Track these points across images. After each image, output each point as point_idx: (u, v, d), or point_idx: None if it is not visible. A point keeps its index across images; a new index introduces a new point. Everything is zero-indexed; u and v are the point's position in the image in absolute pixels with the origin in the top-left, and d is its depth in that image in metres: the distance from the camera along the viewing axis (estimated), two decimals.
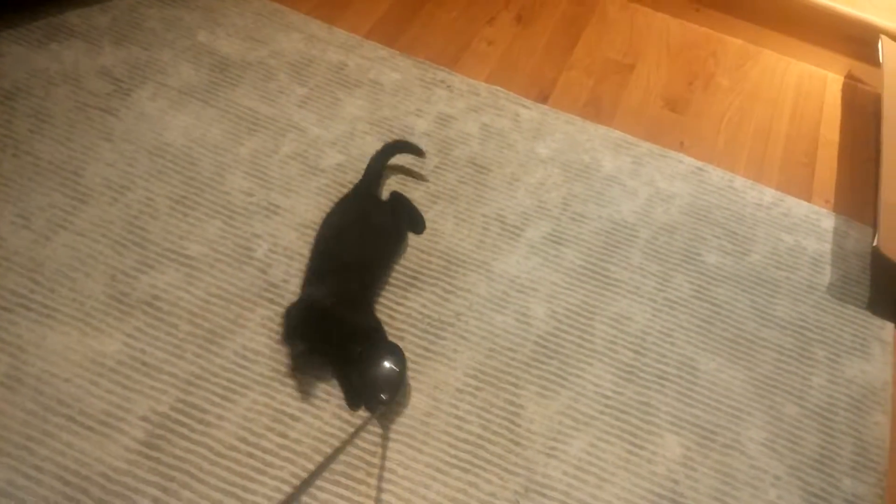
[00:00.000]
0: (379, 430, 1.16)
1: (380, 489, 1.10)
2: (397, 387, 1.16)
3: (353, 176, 1.47)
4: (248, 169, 1.46)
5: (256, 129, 1.52)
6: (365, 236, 1.31)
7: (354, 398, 1.17)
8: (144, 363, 1.19)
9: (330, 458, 1.08)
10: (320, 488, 1.10)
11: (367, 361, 1.17)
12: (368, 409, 1.16)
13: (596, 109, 1.68)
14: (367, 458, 1.14)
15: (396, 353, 1.19)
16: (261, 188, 1.43)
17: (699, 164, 1.58)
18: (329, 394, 1.18)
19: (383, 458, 1.13)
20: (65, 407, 1.14)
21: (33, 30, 1.64)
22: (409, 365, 1.23)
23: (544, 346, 1.27)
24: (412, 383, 1.21)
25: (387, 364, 1.18)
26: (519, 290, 1.34)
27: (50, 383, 1.16)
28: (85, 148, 1.45)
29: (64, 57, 1.60)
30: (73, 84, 1.56)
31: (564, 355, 1.27)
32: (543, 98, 1.68)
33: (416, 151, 1.48)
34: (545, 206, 1.46)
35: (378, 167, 1.44)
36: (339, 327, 1.16)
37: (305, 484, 1.06)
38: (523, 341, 1.27)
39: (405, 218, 1.39)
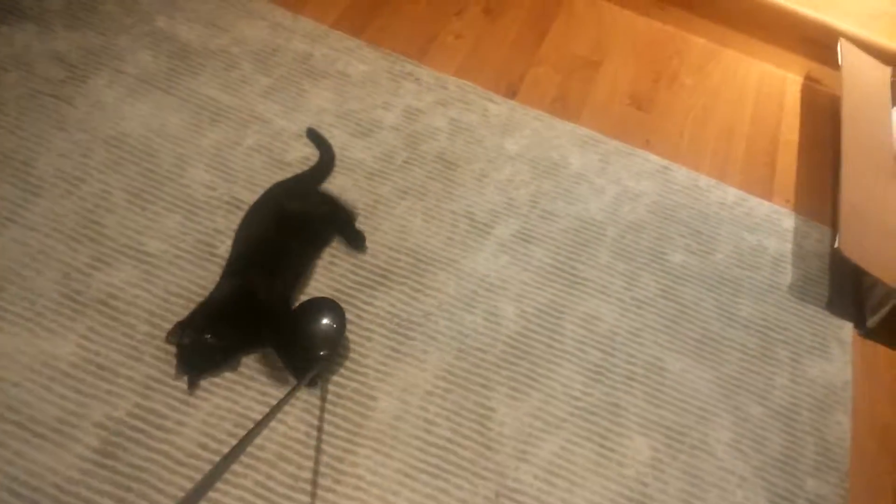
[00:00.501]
0: (344, 435, 1.10)
1: (318, 447, 1.04)
2: (336, 342, 1.11)
3: None
4: (209, 161, 1.37)
5: (218, 120, 1.43)
6: (277, 226, 1.24)
7: (297, 367, 1.09)
8: (100, 366, 1.11)
9: (260, 425, 0.95)
10: (286, 497, 1.04)
11: (303, 318, 1.12)
12: (306, 367, 1.09)
13: (563, 106, 1.63)
14: (335, 464, 1.08)
15: (334, 309, 1.13)
16: (223, 182, 1.35)
17: (664, 162, 1.55)
18: (295, 398, 1.11)
19: (321, 420, 1.08)
20: (14, 413, 1.05)
21: None
22: (377, 367, 1.17)
23: (514, 347, 1.22)
24: (382, 385, 1.15)
25: (325, 320, 1.12)
26: (488, 289, 1.29)
27: None
28: (37, 137, 1.35)
29: (15, 40, 1.49)
30: (25, 69, 1.45)
31: (534, 356, 1.22)
32: (512, 93, 1.63)
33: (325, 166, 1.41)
34: (514, 203, 1.41)
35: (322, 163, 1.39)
36: (249, 310, 1.10)
37: (223, 464, 0.90)
38: (493, 342, 1.22)
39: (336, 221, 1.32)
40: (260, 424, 0.93)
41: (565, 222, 1.41)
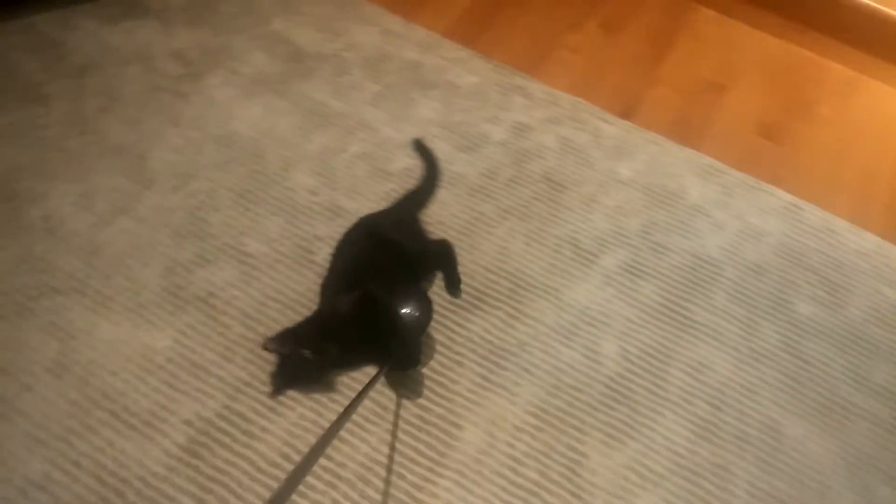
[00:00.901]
0: (426, 463, 1.09)
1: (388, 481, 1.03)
2: (416, 331, 1.11)
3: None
4: (314, 166, 1.40)
5: (326, 125, 1.47)
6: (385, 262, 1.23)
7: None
8: (194, 363, 1.15)
9: (338, 423, 0.95)
10: None
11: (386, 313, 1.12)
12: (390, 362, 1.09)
13: (684, 130, 1.57)
14: (414, 492, 1.07)
15: (419, 299, 1.14)
16: (326, 188, 1.37)
17: (795, 200, 1.47)
18: (380, 418, 1.11)
19: (396, 417, 1.07)
20: (110, 402, 1.11)
21: (108, 6, 1.61)
22: (466, 394, 1.16)
23: (614, 389, 1.19)
24: (469, 414, 1.14)
25: (406, 310, 1.12)
26: (590, 323, 1.25)
27: (97, 375, 1.13)
28: (152, 131, 1.42)
29: (137, 35, 1.58)
30: (145, 64, 1.53)
31: (635, 402, 1.18)
32: (627, 114, 1.59)
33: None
34: (623, 232, 1.37)
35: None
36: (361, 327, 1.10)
37: (306, 464, 0.91)
38: (591, 381, 1.19)
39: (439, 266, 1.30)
40: (340, 420, 0.94)
41: (679, 258, 1.35)
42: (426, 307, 1.14)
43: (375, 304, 1.07)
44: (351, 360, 1.13)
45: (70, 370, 1.12)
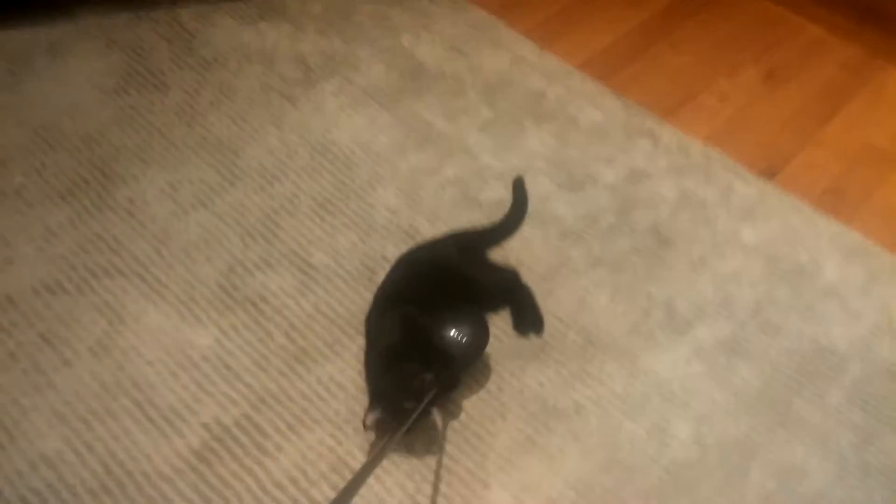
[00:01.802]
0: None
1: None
2: (461, 356, 1.07)
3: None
4: (402, 185, 1.41)
5: (426, 145, 1.48)
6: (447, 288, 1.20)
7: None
8: (227, 366, 1.18)
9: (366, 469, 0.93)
10: None
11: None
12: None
13: (836, 201, 1.43)
14: None
15: (472, 323, 1.11)
16: (407, 208, 1.38)
17: None
18: (400, 459, 1.07)
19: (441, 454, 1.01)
20: (138, 390, 1.15)
21: (248, 5, 1.73)
22: (502, 451, 1.10)
23: (676, 478, 1.08)
24: (500, 474, 1.08)
25: (452, 332, 1.10)
26: (665, 399, 1.15)
27: (134, 362, 1.18)
28: (253, 130, 1.49)
29: (267, 36, 1.67)
30: (267, 65, 1.61)
31: (700, 496, 1.06)
32: (770, 174, 1.47)
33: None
34: (731, 303, 1.26)
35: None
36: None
37: None
38: (651, 463, 1.09)
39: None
40: (366, 468, 0.93)
41: (793, 342, 1.22)
42: (478, 333, 1.10)
43: (415, 324, 1.04)
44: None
45: (110, 353, 1.18)
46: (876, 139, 1.55)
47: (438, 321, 1.13)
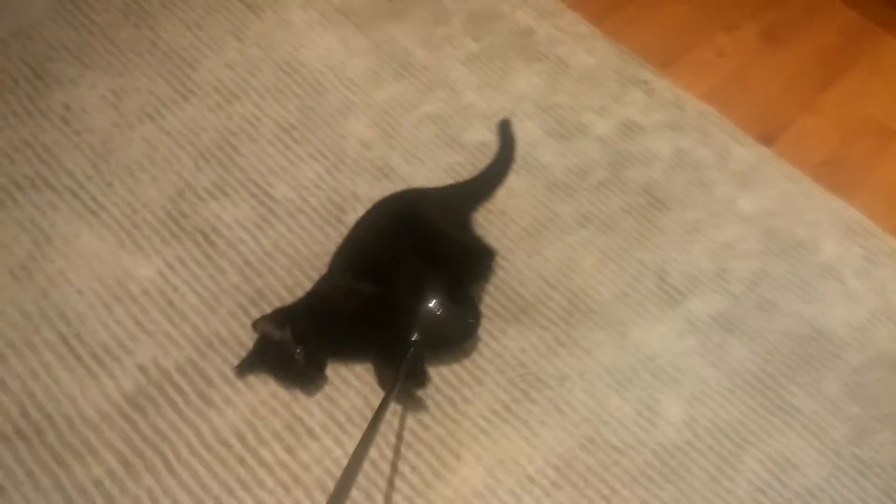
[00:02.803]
0: (407, 491, 0.94)
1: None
2: (436, 329, 0.98)
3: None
4: (376, 117, 1.28)
5: (403, 75, 1.34)
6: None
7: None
8: (170, 303, 1.04)
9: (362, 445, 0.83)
10: None
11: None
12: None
13: (835, 174, 1.36)
14: None
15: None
16: (382, 144, 1.25)
17: None
18: (364, 420, 0.96)
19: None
20: (64, 323, 1.01)
21: None
22: (478, 419, 1.00)
23: (664, 462, 1.00)
24: (474, 445, 0.99)
25: (431, 303, 1.00)
26: (654, 375, 1.06)
27: (60, 289, 1.04)
28: (210, 40, 1.34)
29: None
30: None
31: (688, 484, 0.98)
32: (768, 139, 1.38)
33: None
34: (726, 276, 1.17)
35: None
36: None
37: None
38: (638, 445, 1.00)
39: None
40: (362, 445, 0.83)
41: (790, 323, 1.14)
42: (461, 317, 1.01)
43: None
44: (346, 357, 0.99)
45: (34, 277, 1.04)
46: (876, 111, 1.49)
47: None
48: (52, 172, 1.15)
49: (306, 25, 1.39)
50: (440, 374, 1.03)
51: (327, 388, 1.00)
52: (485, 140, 1.28)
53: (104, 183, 1.15)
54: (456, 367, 1.04)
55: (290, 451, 0.95)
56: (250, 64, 1.32)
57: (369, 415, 0.96)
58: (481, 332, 1.07)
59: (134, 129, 1.22)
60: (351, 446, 0.95)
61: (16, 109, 1.20)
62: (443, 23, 1.44)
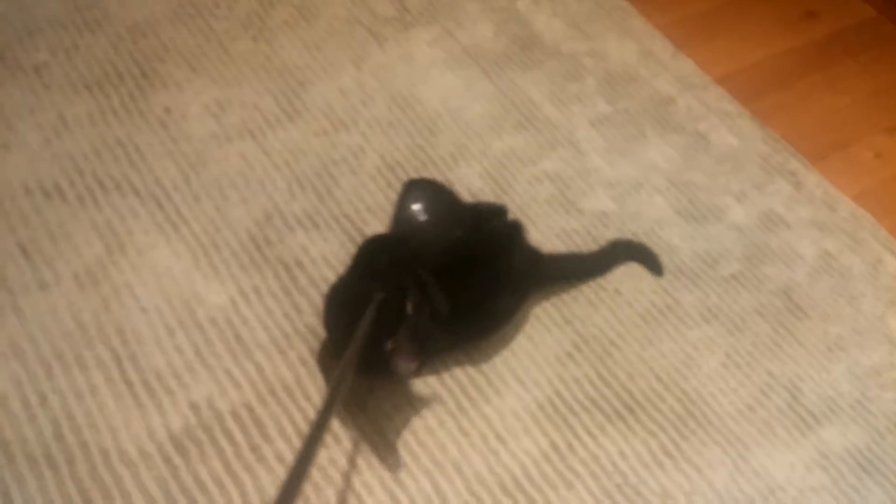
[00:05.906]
0: None
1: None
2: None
3: (613, 235, 1.14)
4: (490, 167, 1.19)
5: (526, 127, 1.25)
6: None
7: None
8: (237, 336, 0.96)
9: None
10: None
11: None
12: None
13: None
14: None
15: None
16: (492, 196, 1.17)
17: None
18: None
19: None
20: (120, 341, 0.93)
21: None
22: None
23: None
24: None
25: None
26: None
27: (124, 303, 0.96)
28: (328, 63, 1.28)
29: None
30: None
31: None
32: None
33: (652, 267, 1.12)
34: (869, 406, 1.03)
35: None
36: None
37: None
38: None
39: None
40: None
41: None
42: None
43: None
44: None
45: (98, 285, 0.97)
46: None
47: None
48: (140, 177, 1.09)
49: (430, 62, 1.32)
50: (522, 466, 0.90)
51: (389, 475, 0.88)
52: (606, 209, 1.17)
53: (191, 196, 1.08)
54: (542, 462, 0.91)
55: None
56: (364, 93, 1.25)
57: None
58: (576, 424, 0.93)
59: (232, 143, 1.16)
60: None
61: (115, 106, 1.16)
62: (576, 79, 1.35)
